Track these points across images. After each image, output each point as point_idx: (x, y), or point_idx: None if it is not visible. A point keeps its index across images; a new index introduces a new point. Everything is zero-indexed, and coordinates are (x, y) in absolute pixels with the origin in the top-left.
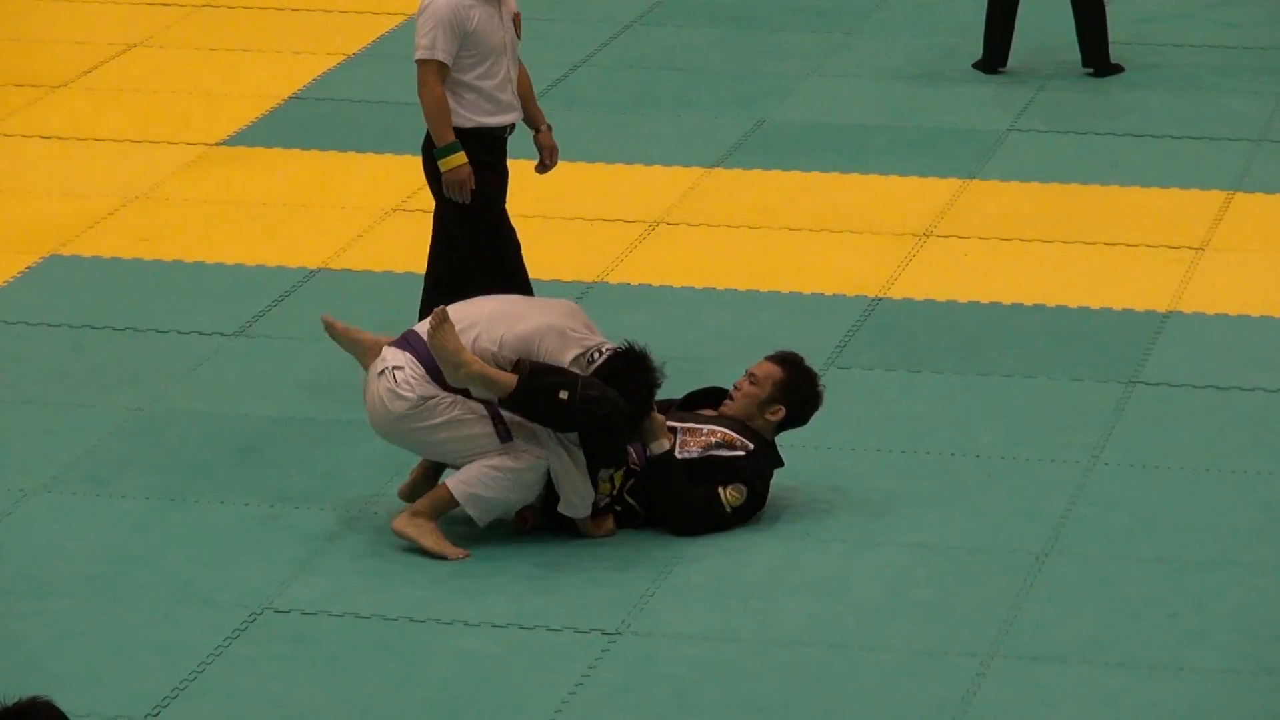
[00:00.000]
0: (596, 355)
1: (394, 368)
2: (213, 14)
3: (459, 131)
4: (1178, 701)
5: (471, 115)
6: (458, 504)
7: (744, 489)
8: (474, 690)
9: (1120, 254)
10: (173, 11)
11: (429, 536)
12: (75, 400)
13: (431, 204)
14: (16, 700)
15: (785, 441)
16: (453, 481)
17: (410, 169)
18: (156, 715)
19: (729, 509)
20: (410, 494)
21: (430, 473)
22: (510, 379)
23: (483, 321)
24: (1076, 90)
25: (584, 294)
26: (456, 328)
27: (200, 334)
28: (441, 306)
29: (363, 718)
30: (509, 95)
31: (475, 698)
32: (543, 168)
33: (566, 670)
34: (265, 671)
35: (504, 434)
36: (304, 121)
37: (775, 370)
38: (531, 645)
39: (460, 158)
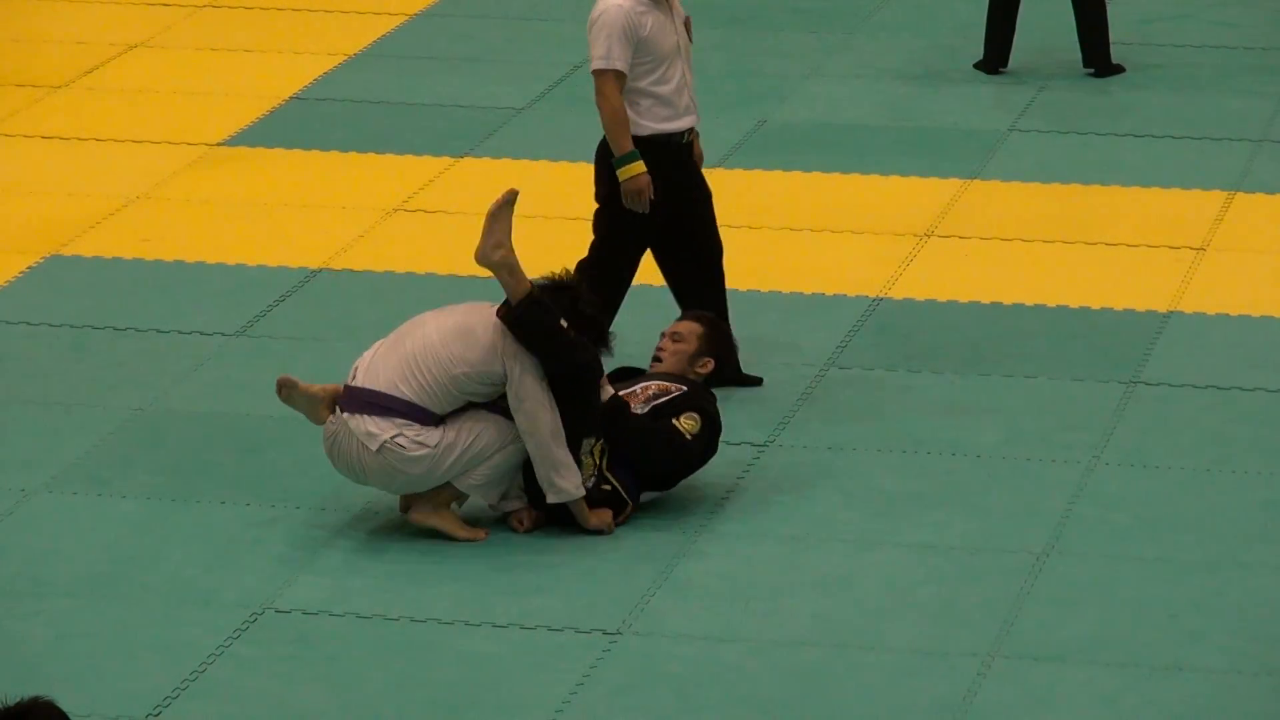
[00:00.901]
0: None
1: (394, 439)
2: (213, 14)
3: (638, 140)
4: (1178, 702)
5: (649, 122)
6: (463, 494)
7: (696, 416)
8: (475, 690)
9: (1121, 254)
10: (173, 12)
11: (451, 523)
12: (76, 400)
13: (432, 204)
14: (18, 700)
15: (785, 442)
16: (457, 481)
17: (411, 169)
18: (157, 715)
19: (689, 437)
20: (407, 503)
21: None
22: (526, 284)
23: (436, 346)
24: (1077, 90)
25: None
26: (402, 368)
27: (201, 334)
28: (514, 190)
29: (364, 718)
30: (686, 99)
31: (476, 697)
32: None
33: (567, 670)
34: (266, 672)
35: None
36: (304, 121)
37: (696, 326)
38: (532, 645)
39: (638, 167)
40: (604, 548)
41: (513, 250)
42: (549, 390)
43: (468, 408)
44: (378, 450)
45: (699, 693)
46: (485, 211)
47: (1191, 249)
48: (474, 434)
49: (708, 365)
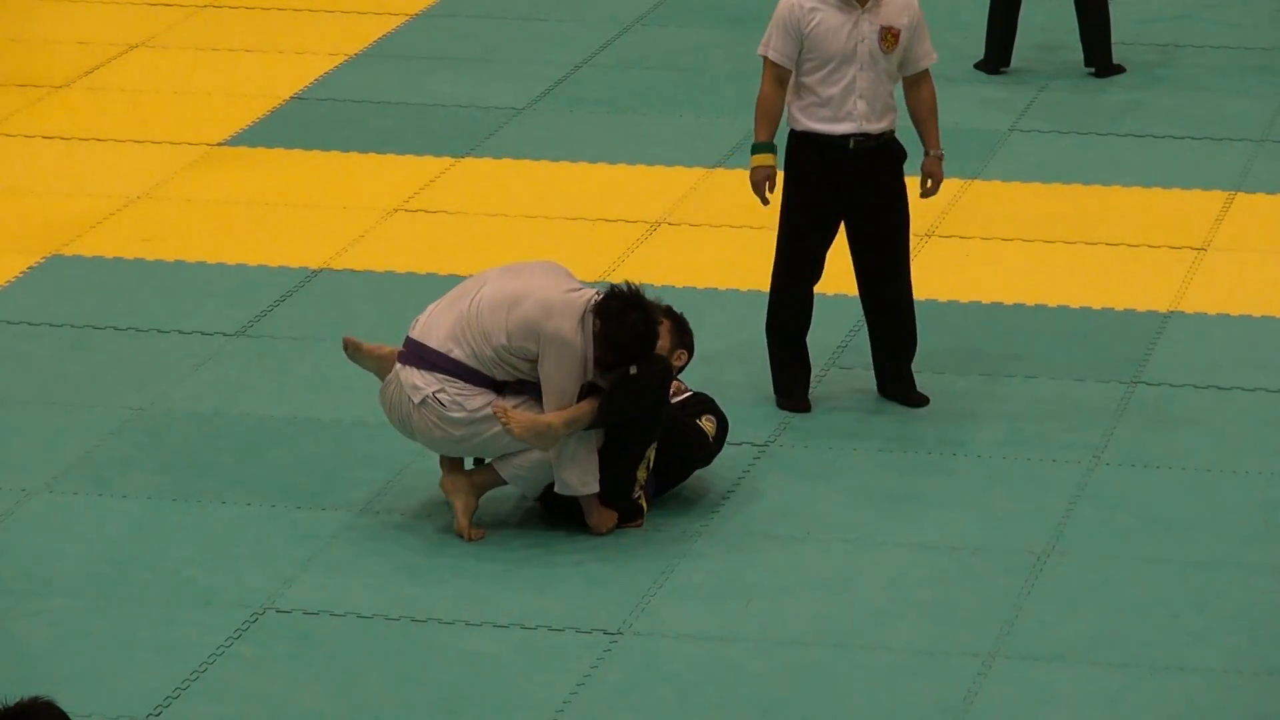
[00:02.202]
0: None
1: (435, 394)
2: (213, 14)
3: (797, 134)
4: (1179, 701)
5: (806, 119)
6: (505, 482)
7: (713, 418)
8: (476, 690)
9: (1122, 254)
10: (173, 11)
11: (465, 508)
12: (76, 400)
13: (432, 204)
14: (18, 700)
15: (785, 442)
16: (499, 464)
17: (411, 169)
18: (158, 715)
19: (710, 436)
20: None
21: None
22: (590, 407)
23: (484, 313)
24: (1078, 91)
25: None
26: (455, 328)
27: (201, 334)
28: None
29: (364, 718)
30: (853, 105)
31: (477, 697)
32: (923, 193)
33: (568, 670)
34: (267, 671)
35: None
36: (304, 121)
37: (664, 322)
38: (533, 645)
39: (762, 159)
40: (605, 548)
41: (553, 420)
42: (578, 383)
43: (528, 387)
44: (420, 404)
45: (699, 693)
46: (489, 211)
47: (1192, 249)
48: (523, 399)
49: (682, 358)
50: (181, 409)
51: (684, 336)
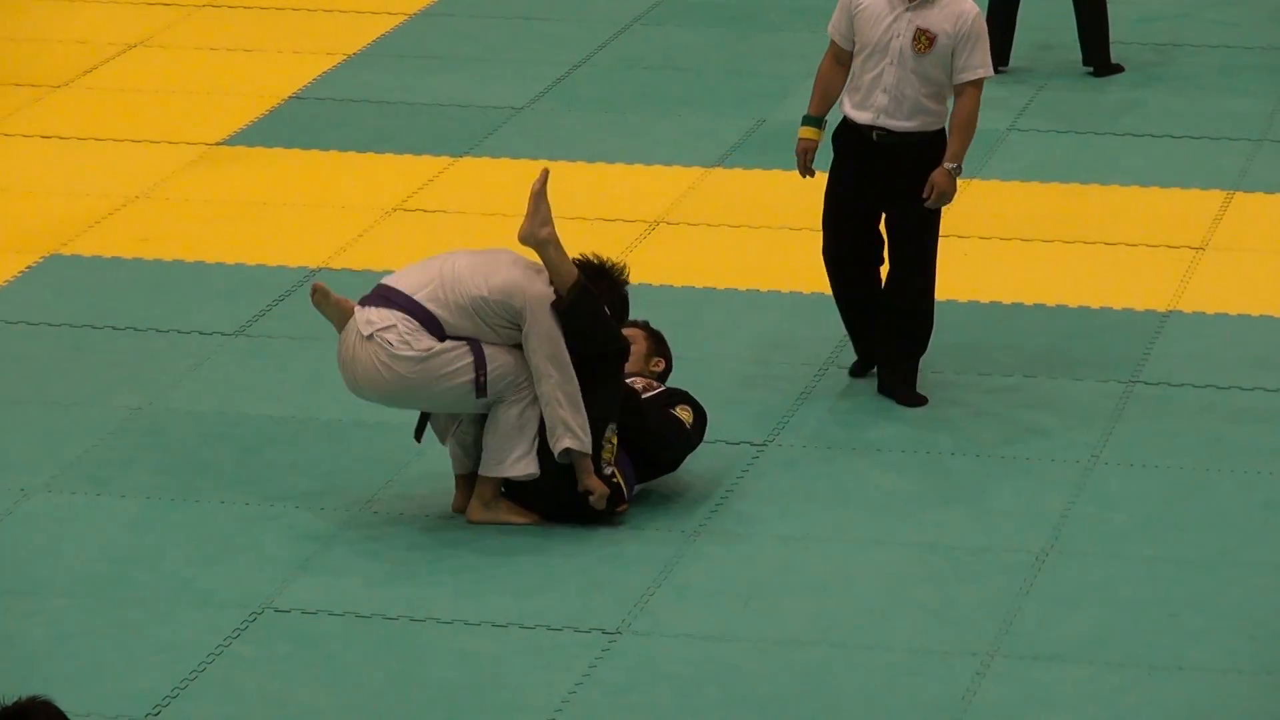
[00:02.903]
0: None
1: (382, 329)
2: (213, 14)
3: (846, 118)
4: (1178, 701)
5: (844, 100)
6: (500, 482)
7: (689, 407)
8: (474, 689)
9: (1120, 253)
10: (173, 11)
11: (508, 512)
12: (75, 399)
13: (432, 204)
14: (15, 700)
15: (785, 442)
16: (484, 470)
17: (409, 168)
18: (157, 715)
19: (686, 425)
20: (463, 504)
21: (470, 479)
22: (571, 265)
23: (461, 273)
24: (1077, 90)
25: None
26: (427, 278)
27: (200, 334)
28: (546, 169)
29: (363, 717)
30: (879, 97)
31: (475, 697)
32: (924, 199)
33: (567, 670)
34: (265, 671)
35: (481, 387)
36: (304, 121)
37: (637, 330)
38: (532, 644)
39: (805, 131)
40: (604, 547)
41: (553, 231)
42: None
43: (463, 347)
44: (368, 338)
45: (698, 692)
46: (488, 211)
47: (1191, 248)
48: (457, 372)
49: (659, 364)
50: (180, 408)
51: (660, 346)
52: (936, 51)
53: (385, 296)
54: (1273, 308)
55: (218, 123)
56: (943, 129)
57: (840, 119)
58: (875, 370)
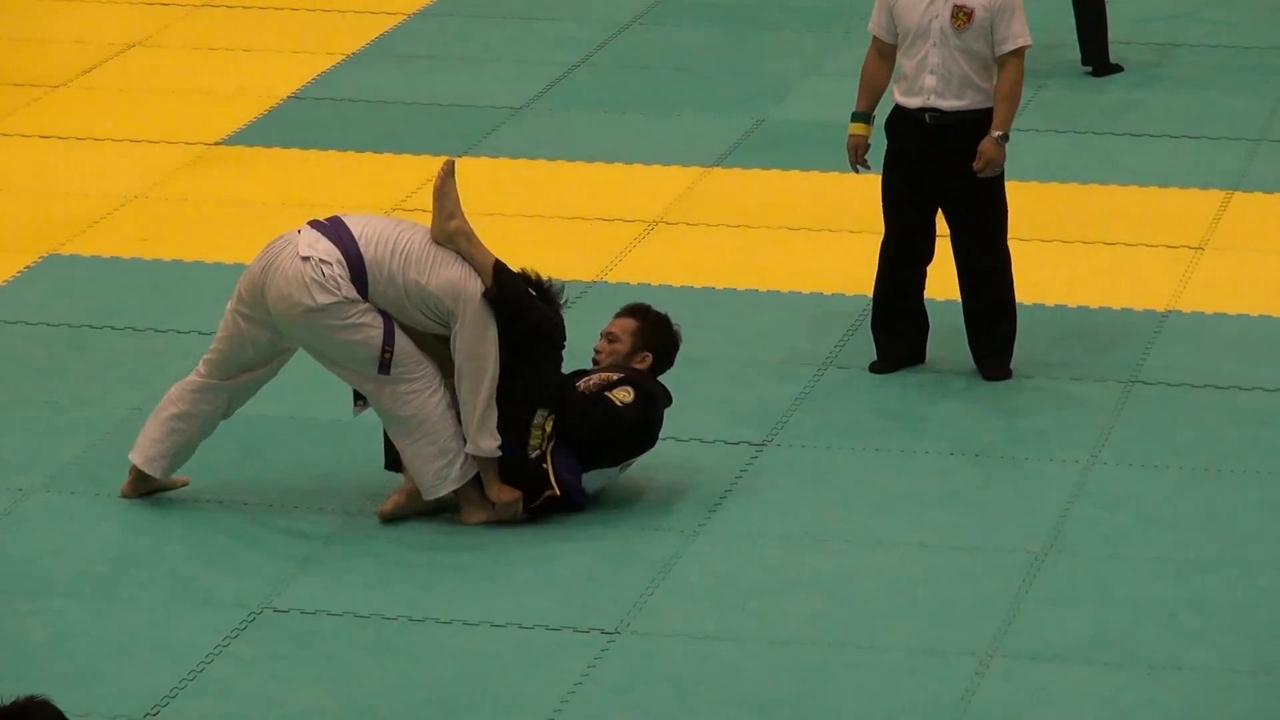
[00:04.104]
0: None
1: (321, 261)
2: (213, 14)
3: (894, 107)
4: (1177, 701)
5: (895, 91)
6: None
7: (630, 388)
8: (473, 689)
9: (1119, 253)
10: (172, 11)
11: (500, 493)
12: (74, 400)
13: (429, 204)
14: (14, 700)
15: (784, 442)
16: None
17: (409, 168)
18: (156, 715)
19: (619, 404)
20: (394, 515)
21: (415, 494)
22: (489, 257)
23: (414, 250)
24: (1075, 89)
25: (583, 293)
26: (381, 235)
27: (200, 334)
28: (451, 159)
29: (362, 717)
30: (927, 79)
31: (474, 697)
32: (975, 168)
33: (566, 669)
34: (264, 671)
35: (385, 364)
36: (304, 121)
37: (630, 323)
38: (531, 644)
39: (855, 128)
40: (603, 547)
41: (465, 219)
42: (497, 350)
43: (381, 319)
44: (303, 259)
45: (697, 692)
46: (486, 211)
47: (1190, 248)
48: (364, 332)
49: (646, 360)
50: None
51: (650, 338)
52: (976, 25)
53: (337, 234)
54: (1272, 307)
55: (217, 123)
56: (991, 107)
57: (892, 108)
58: (880, 365)
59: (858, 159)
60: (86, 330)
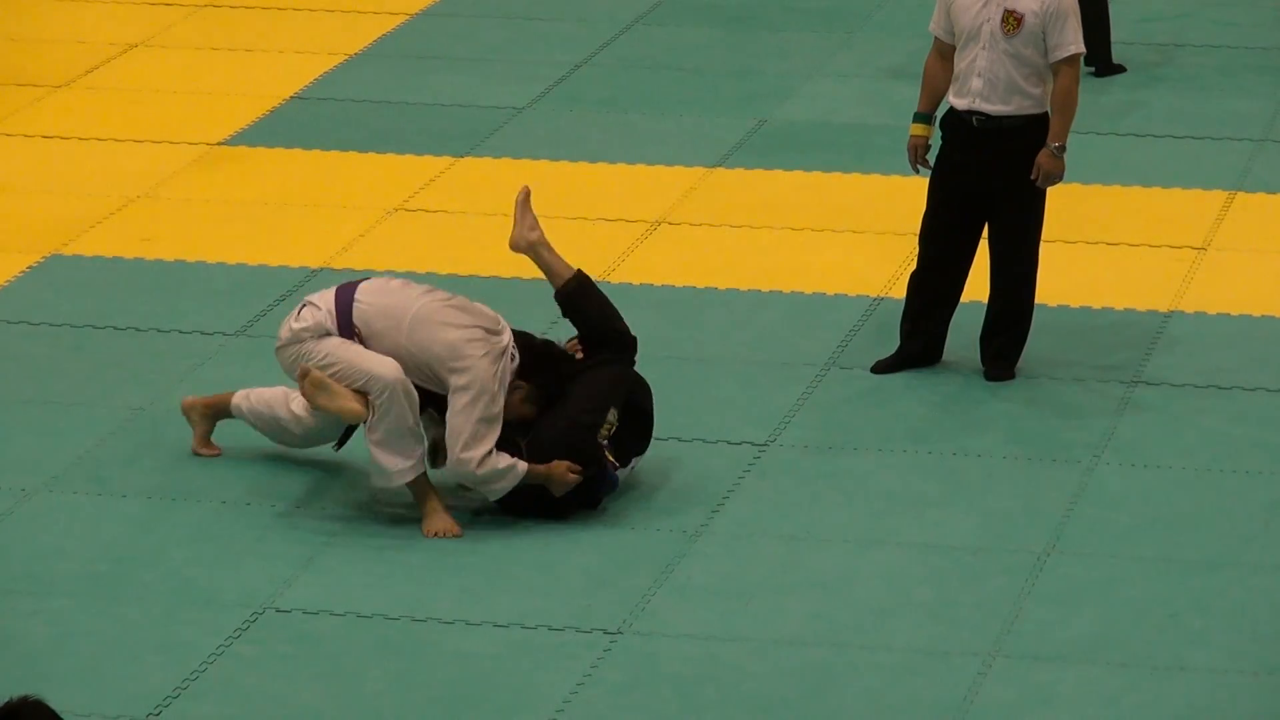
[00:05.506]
0: (513, 353)
1: (310, 304)
2: (213, 14)
3: (950, 105)
4: (1179, 701)
5: (949, 92)
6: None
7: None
8: (476, 689)
9: (1122, 253)
10: (173, 11)
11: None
12: (76, 400)
13: (432, 204)
14: (7, 700)
15: (786, 442)
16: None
17: (411, 169)
18: (158, 715)
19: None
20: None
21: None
22: (568, 264)
23: (421, 315)
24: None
25: None
26: (376, 314)
27: (201, 334)
28: (526, 187)
29: (364, 717)
30: (975, 82)
31: (477, 697)
32: (1032, 179)
33: (568, 670)
34: (267, 671)
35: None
36: (304, 121)
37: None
38: (533, 645)
39: (915, 128)
40: (605, 547)
41: (544, 240)
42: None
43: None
44: (301, 303)
45: (699, 692)
46: (488, 211)
47: (1192, 248)
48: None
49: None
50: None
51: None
52: (1026, 31)
53: (344, 290)
54: (1275, 308)
55: (218, 123)
56: (1042, 114)
57: (948, 108)
58: (880, 365)
59: (918, 159)
60: (89, 330)
